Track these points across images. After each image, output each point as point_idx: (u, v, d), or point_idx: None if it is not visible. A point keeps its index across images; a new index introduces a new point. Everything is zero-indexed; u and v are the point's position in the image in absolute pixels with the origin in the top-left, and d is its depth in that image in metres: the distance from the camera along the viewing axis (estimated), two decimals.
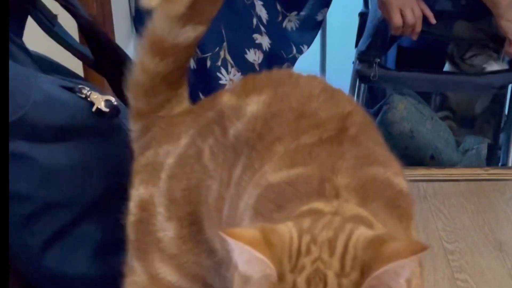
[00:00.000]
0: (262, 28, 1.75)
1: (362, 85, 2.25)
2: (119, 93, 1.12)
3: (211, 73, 1.71)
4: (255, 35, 1.75)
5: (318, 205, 0.70)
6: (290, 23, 1.82)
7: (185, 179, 0.88)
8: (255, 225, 0.67)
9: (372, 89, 2.33)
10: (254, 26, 1.73)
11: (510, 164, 2.13)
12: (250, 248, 0.61)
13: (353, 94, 2.21)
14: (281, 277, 0.62)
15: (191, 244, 0.89)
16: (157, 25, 0.89)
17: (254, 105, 0.83)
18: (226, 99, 0.88)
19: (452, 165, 2.13)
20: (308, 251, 0.62)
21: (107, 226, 1.02)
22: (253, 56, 1.75)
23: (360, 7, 2.43)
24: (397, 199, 0.75)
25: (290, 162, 0.76)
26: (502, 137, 2.28)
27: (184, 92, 0.97)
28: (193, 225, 0.89)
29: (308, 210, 0.69)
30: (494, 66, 2.13)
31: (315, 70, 2.67)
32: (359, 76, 2.19)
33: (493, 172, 1.93)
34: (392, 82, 2.20)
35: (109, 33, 1.82)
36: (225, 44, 1.71)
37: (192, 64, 1.70)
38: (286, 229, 0.64)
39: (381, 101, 2.29)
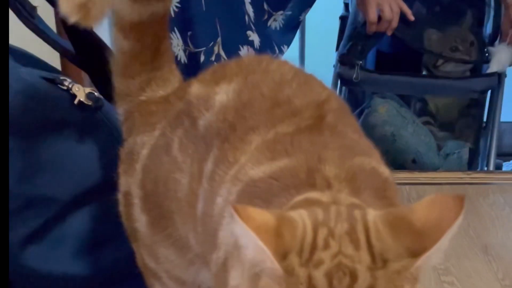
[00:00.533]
0: (252, 26, 1.73)
1: (343, 88, 2.23)
2: (101, 88, 1.08)
3: (204, 69, 1.66)
4: (248, 32, 1.72)
5: (314, 195, 0.66)
6: (275, 23, 1.80)
7: (154, 170, 0.86)
8: (275, 210, 0.63)
9: (352, 93, 2.31)
10: (246, 23, 1.71)
11: (491, 168, 2.11)
12: (254, 235, 0.58)
13: None
14: (289, 271, 0.58)
15: (160, 237, 0.87)
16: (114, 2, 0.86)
17: (223, 94, 0.80)
18: (194, 88, 0.84)
19: (434, 169, 2.11)
20: (326, 245, 0.60)
21: (92, 223, 0.98)
22: (246, 53, 1.72)
23: (336, 11, 2.40)
24: (385, 189, 0.73)
25: (270, 154, 0.72)
26: (482, 142, 2.27)
27: (168, 75, 0.94)
28: (163, 219, 0.86)
29: (304, 200, 0.66)
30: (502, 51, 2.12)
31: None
32: (341, 78, 2.16)
33: (476, 176, 1.91)
34: (373, 84, 2.18)
35: None
36: (219, 39, 1.67)
37: (183, 58, 1.63)
38: (300, 220, 0.61)
39: (362, 104, 2.27)
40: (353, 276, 0.58)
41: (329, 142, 0.72)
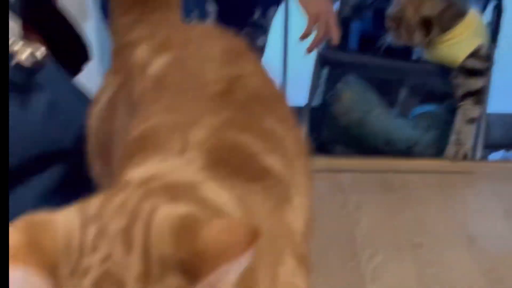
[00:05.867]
0: None
1: (324, 71, 2.14)
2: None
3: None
4: None
5: (136, 172, 0.60)
6: None
7: (103, 124, 0.84)
8: (21, 220, 0.51)
9: (331, 75, 2.21)
10: None
11: (478, 157, 2.02)
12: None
13: (316, 80, 2.10)
14: (58, 285, 0.48)
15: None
16: None
17: (156, 65, 0.77)
18: (139, 52, 0.81)
19: (409, 145, 2.03)
20: (95, 248, 0.49)
21: (23, 200, 0.87)
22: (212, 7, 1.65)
23: None
24: (261, 177, 0.66)
25: (158, 114, 0.70)
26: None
27: (162, 20, 0.88)
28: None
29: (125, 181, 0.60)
30: None
31: (277, 56, 2.54)
32: (320, 60, 2.07)
33: (461, 164, 1.83)
34: (348, 66, 2.09)
35: None
36: None
37: None
38: (64, 220, 0.50)
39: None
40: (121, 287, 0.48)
41: (222, 111, 0.69)
